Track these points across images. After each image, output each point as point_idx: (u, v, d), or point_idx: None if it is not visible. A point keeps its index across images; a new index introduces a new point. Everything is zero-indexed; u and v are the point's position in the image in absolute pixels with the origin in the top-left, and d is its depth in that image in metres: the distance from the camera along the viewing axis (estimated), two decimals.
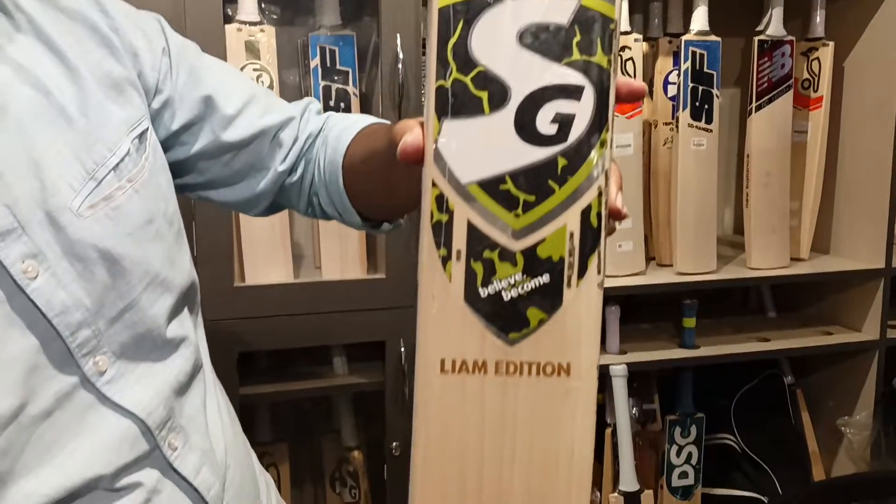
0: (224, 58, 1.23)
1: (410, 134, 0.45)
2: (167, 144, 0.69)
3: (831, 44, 1.50)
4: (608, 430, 1.50)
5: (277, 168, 0.74)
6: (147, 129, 0.64)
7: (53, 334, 0.54)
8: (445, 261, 0.45)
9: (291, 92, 1.38)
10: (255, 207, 0.77)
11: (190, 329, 0.66)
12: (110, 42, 0.62)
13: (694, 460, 1.57)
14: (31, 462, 0.53)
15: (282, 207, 0.80)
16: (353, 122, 0.75)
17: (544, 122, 0.44)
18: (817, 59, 1.51)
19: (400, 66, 1.24)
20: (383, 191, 0.70)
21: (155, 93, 0.66)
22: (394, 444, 1.35)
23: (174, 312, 0.63)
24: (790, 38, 1.46)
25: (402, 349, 1.32)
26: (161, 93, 0.67)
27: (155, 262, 0.61)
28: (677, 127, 1.43)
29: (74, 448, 0.55)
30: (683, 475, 1.57)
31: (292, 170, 0.75)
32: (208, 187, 0.74)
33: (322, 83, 1.31)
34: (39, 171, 0.55)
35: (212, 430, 0.66)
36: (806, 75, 1.52)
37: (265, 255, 1.31)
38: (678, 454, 1.56)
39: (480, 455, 0.45)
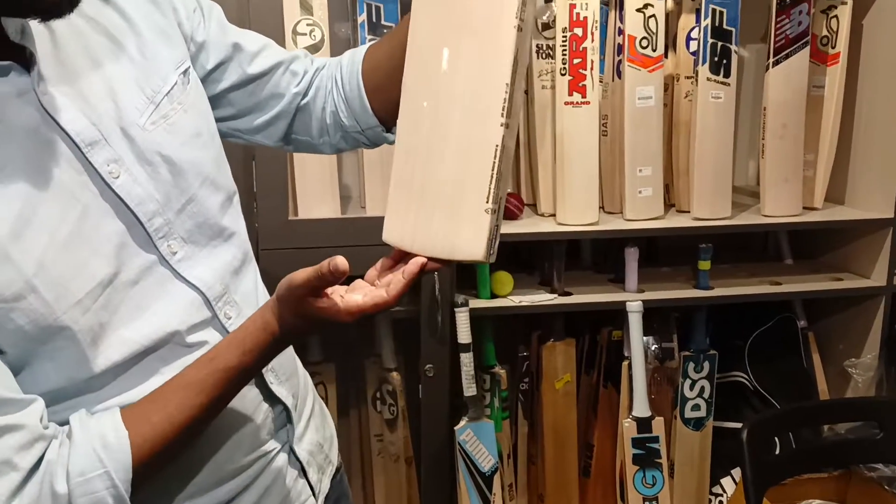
0: (280, 14, 1.37)
1: None
2: (204, 82, 0.86)
3: (850, 2, 1.57)
4: (625, 363, 1.63)
5: (292, 90, 0.91)
6: (189, 67, 0.81)
7: (134, 221, 0.71)
8: None
9: (340, 45, 1.51)
10: (275, 130, 0.92)
11: (240, 228, 0.83)
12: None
13: (706, 394, 1.69)
14: (126, 316, 0.69)
15: (298, 141, 0.96)
16: (360, 47, 0.93)
17: None
18: (836, 16, 1.58)
19: None
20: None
21: (191, 39, 0.84)
22: (428, 366, 1.50)
23: (224, 207, 0.80)
24: None
25: (436, 282, 1.47)
26: (195, 39, 0.84)
27: (206, 165, 0.78)
28: (697, 80, 1.53)
29: (156, 309, 0.71)
30: (696, 408, 1.69)
31: (305, 93, 0.92)
32: (237, 116, 0.91)
33: (368, 37, 1.44)
34: (115, 96, 0.72)
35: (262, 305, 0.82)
36: (825, 32, 1.60)
37: (316, 192, 1.47)
38: (691, 388, 1.68)
39: None
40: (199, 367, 0.70)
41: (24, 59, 0.66)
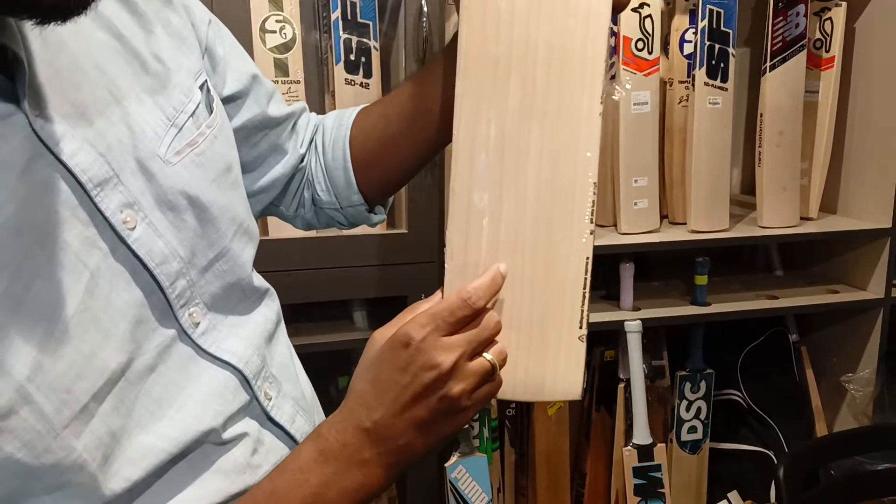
0: (247, 9, 1.22)
1: None
2: None
3: (844, 4, 1.51)
4: (621, 386, 1.53)
5: (299, 150, 0.76)
6: (206, 80, 0.63)
7: (154, 286, 0.54)
8: None
9: (312, 45, 1.37)
10: (265, 197, 0.77)
11: (267, 282, 0.67)
12: None
13: (703, 415, 1.60)
14: (144, 418, 0.52)
15: (272, 211, 0.80)
16: (349, 109, 0.78)
17: None
18: (830, 18, 1.52)
19: (424, 19, 1.24)
20: (408, 128, 0.71)
21: (206, 49, 0.66)
22: None
23: (254, 261, 0.64)
24: None
25: None
26: (213, 52, 0.66)
27: (239, 209, 0.61)
28: (693, 85, 1.44)
29: (182, 401, 0.55)
30: (692, 430, 1.60)
31: (304, 157, 0.77)
32: None
33: (343, 36, 1.30)
34: (127, 117, 0.54)
35: (300, 376, 0.67)
36: (818, 35, 1.54)
37: None
38: (688, 409, 1.59)
39: None
40: None
41: (5, 64, 0.47)
